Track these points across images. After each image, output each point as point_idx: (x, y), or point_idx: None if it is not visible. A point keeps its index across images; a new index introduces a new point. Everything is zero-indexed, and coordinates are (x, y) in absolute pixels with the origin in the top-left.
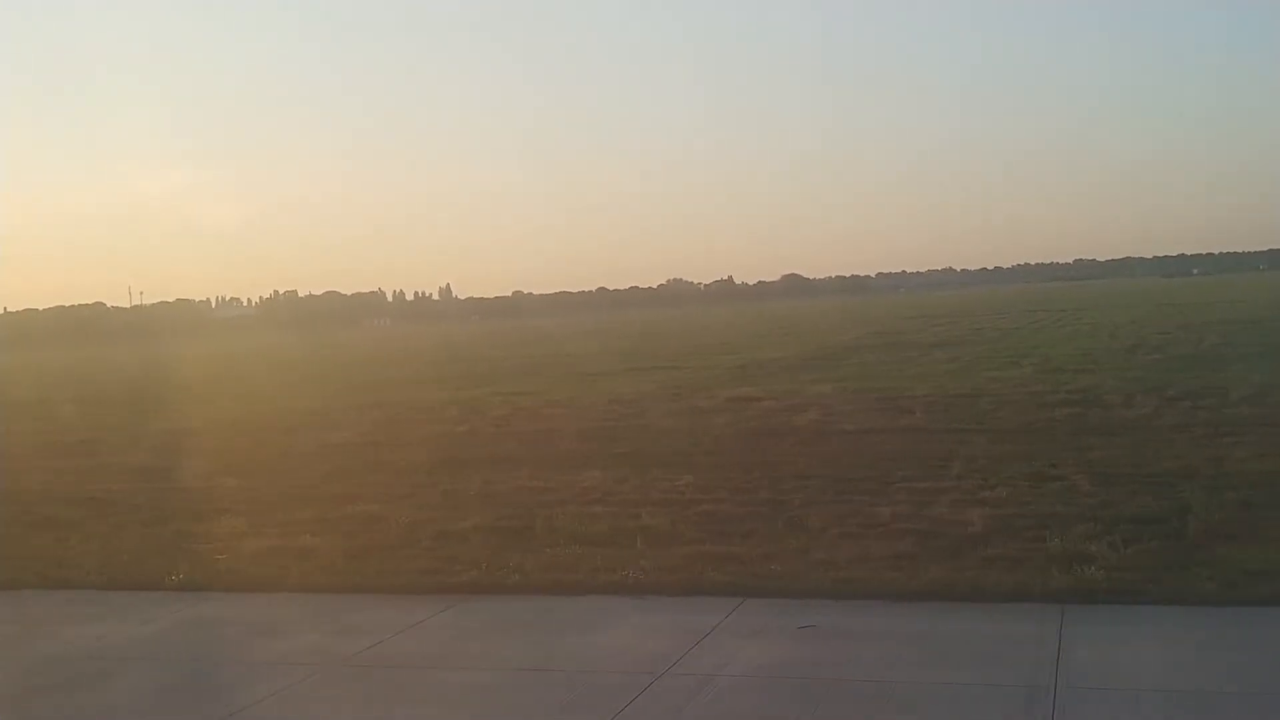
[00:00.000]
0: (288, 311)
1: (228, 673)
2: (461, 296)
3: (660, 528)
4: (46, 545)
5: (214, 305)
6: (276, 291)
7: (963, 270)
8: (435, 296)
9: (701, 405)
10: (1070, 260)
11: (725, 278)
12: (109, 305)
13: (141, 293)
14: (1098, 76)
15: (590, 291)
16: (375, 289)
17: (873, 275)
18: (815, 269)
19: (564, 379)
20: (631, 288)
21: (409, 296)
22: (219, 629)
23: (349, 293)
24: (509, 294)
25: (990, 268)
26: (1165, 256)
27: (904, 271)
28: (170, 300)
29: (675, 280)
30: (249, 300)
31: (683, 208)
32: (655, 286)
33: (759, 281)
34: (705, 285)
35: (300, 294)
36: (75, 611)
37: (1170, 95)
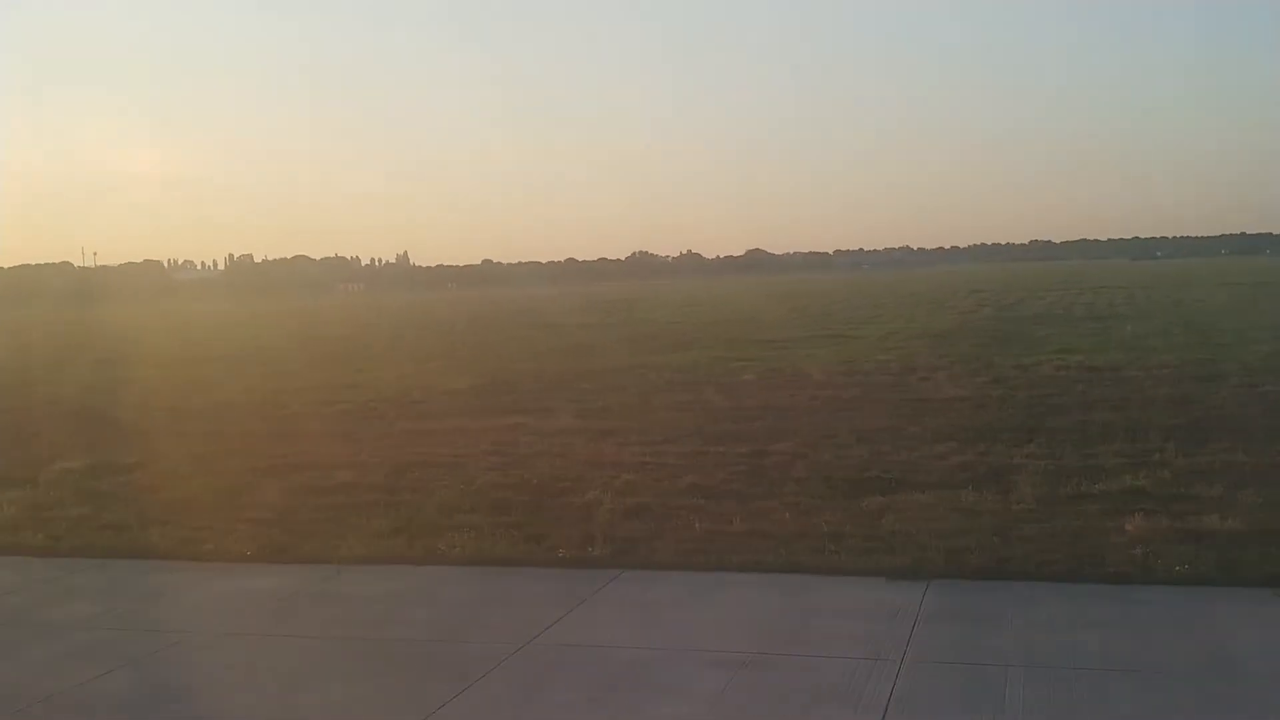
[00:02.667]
0: (254, 276)
1: None
2: (419, 264)
3: None
4: None
5: (167, 267)
6: (232, 255)
7: (919, 249)
8: (392, 262)
9: (1006, 373)
10: (1026, 241)
11: (691, 251)
12: (76, 265)
13: (95, 254)
14: (1056, 60)
15: (559, 262)
16: (334, 254)
17: (830, 252)
18: (777, 245)
19: (765, 345)
20: (600, 259)
21: (365, 262)
22: None
23: (318, 257)
24: (478, 262)
25: (947, 247)
26: (1119, 239)
27: (861, 249)
28: (138, 261)
29: (641, 253)
30: (203, 264)
31: (648, 182)
32: (624, 258)
33: (726, 256)
34: (673, 258)
35: (256, 258)
36: None
37: (1128, 80)
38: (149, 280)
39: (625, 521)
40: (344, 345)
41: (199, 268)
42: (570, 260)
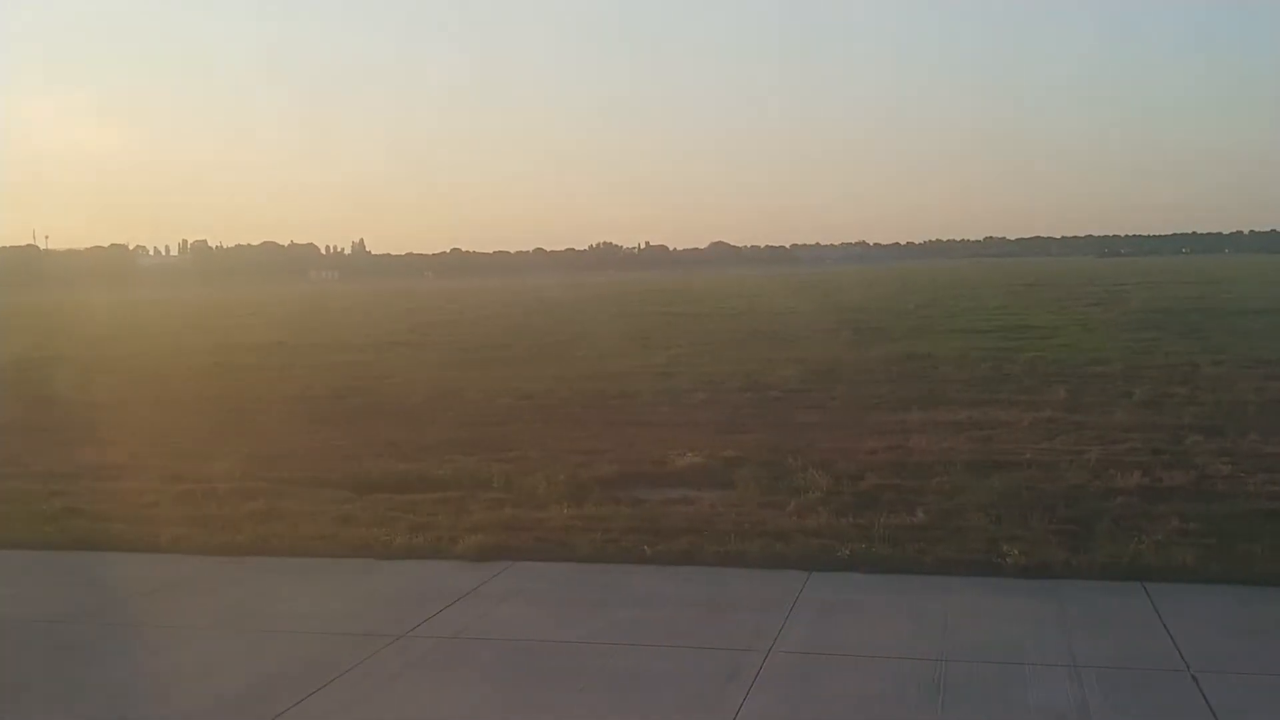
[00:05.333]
0: (215, 262)
1: None
2: (375, 252)
3: None
4: None
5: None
6: (186, 241)
7: (875, 244)
8: (347, 251)
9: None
10: (981, 238)
11: (657, 244)
12: (42, 248)
13: (47, 237)
14: (1011, 59)
15: (529, 252)
16: (301, 241)
17: (789, 246)
18: (738, 239)
19: (953, 335)
20: (568, 249)
21: (320, 249)
22: None
23: (285, 243)
24: (446, 251)
25: (903, 243)
26: (1073, 237)
27: (818, 244)
28: (104, 245)
29: (605, 244)
30: (156, 249)
31: (609, 174)
32: (586, 249)
33: (691, 248)
34: (639, 250)
35: (210, 244)
36: None
37: (1083, 79)
38: (115, 265)
39: None
40: (563, 334)
41: (151, 253)
42: (539, 250)
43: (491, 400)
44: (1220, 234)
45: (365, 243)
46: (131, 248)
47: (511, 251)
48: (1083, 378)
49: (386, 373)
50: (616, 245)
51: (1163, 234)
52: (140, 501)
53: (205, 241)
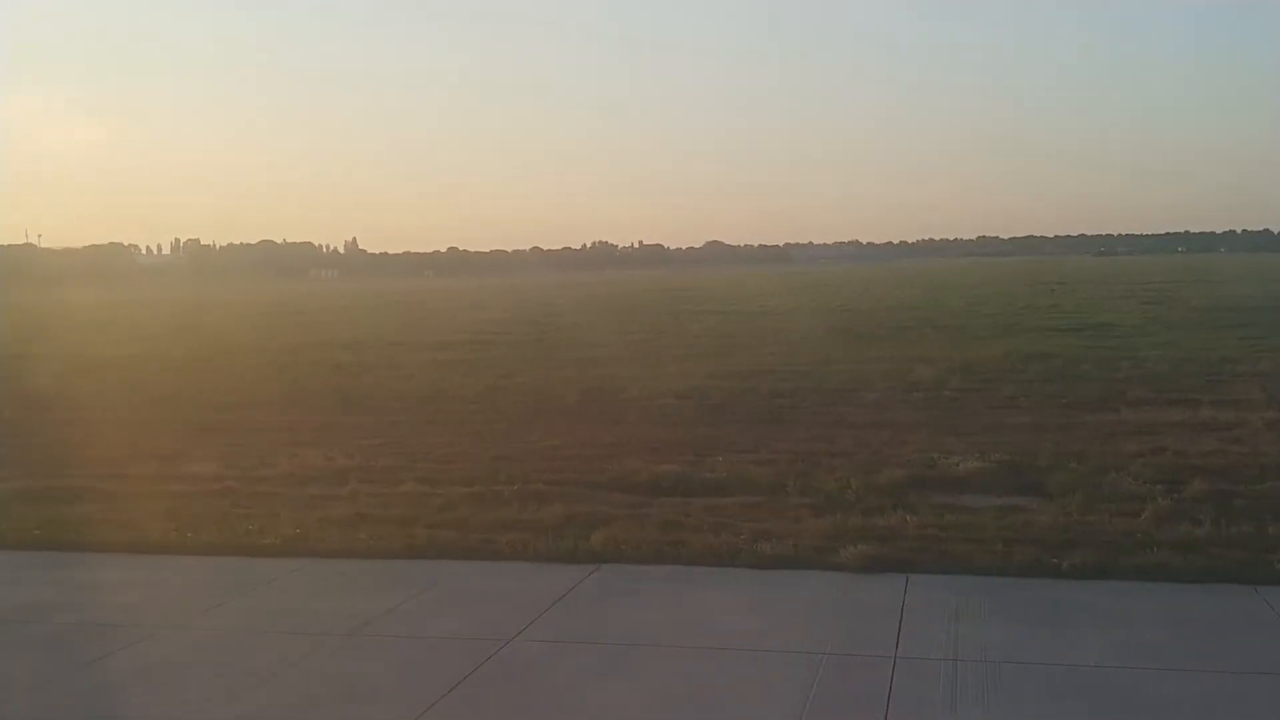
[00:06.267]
0: (210, 261)
1: None
2: (369, 250)
3: None
4: None
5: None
6: (178, 240)
7: (868, 244)
8: (340, 250)
9: None
10: (974, 237)
11: (653, 243)
12: (40, 247)
13: (40, 235)
14: (1005, 58)
15: (525, 251)
16: (294, 240)
17: (782, 245)
18: (732, 237)
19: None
20: (565, 248)
21: (319, 248)
22: None
23: (281, 241)
24: (444, 249)
25: (896, 242)
26: (1065, 236)
27: (811, 243)
28: (102, 244)
29: (600, 243)
30: (148, 248)
31: (607, 173)
32: (582, 248)
33: (686, 247)
34: (635, 248)
35: (203, 242)
36: None
37: (1075, 78)
38: (114, 264)
39: None
40: (639, 333)
41: (144, 252)
42: (536, 249)
43: (653, 400)
44: (1213, 233)
45: (358, 241)
46: (127, 245)
47: (508, 250)
48: (1236, 376)
49: (508, 371)
50: (612, 244)
51: (1156, 233)
52: (432, 505)
53: (198, 240)
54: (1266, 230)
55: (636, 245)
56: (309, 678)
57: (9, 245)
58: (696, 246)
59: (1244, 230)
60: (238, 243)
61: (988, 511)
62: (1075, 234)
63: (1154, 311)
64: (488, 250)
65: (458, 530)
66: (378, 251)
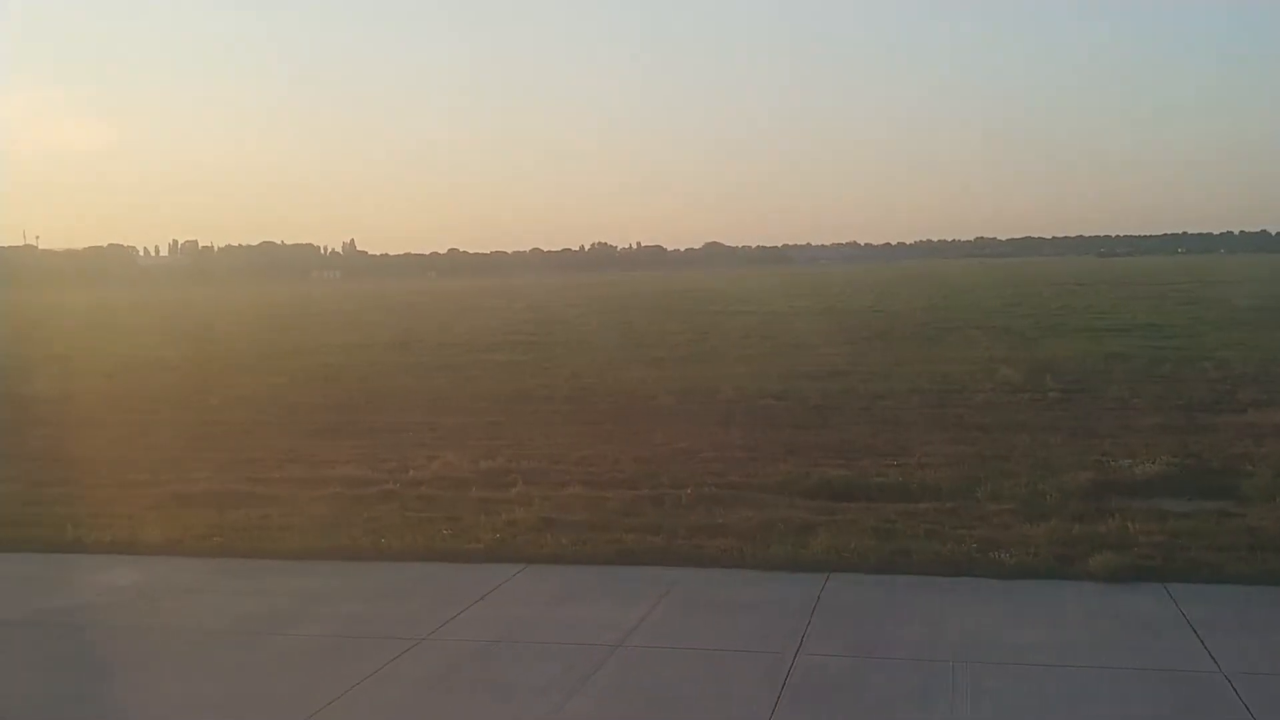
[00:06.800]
0: (210, 262)
1: None
2: (368, 251)
3: None
4: None
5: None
6: (176, 241)
7: (866, 245)
8: (339, 251)
9: None
10: (972, 238)
11: (652, 244)
12: (40, 248)
13: (38, 237)
14: (1004, 60)
15: (525, 252)
16: (294, 242)
17: (781, 246)
18: (731, 239)
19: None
20: (564, 250)
21: (323, 250)
22: None
23: (280, 242)
24: (444, 251)
25: (894, 243)
26: (1063, 238)
27: (810, 244)
28: (102, 245)
29: (600, 244)
30: (146, 250)
31: (606, 174)
32: (580, 249)
33: (686, 248)
34: (634, 249)
35: (200, 244)
36: None
37: (1075, 80)
38: (115, 266)
39: None
40: (686, 334)
41: (142, 254)
42: (536, 250)
43: (753, 400)
44: (1211, 234)
45: (355, 242)
46: (126, 247)
47: (509, 252)
48: None
49: (574, 371)
50: (611, 245)
51: (1154, 234)
52: (610, 509)
53: (196, 242)
54: (1264, 231)
55: (636, 246)
56: (613, 690)
57: (8, 247)
58: (696, 248)
59: (1241, 231)
60: (237, 244)
61: (1197, 516)
62: (1073, 235)
63: (1194, 312)
64: (488, 251)
65: (659, 535)
66: (378, 253)
